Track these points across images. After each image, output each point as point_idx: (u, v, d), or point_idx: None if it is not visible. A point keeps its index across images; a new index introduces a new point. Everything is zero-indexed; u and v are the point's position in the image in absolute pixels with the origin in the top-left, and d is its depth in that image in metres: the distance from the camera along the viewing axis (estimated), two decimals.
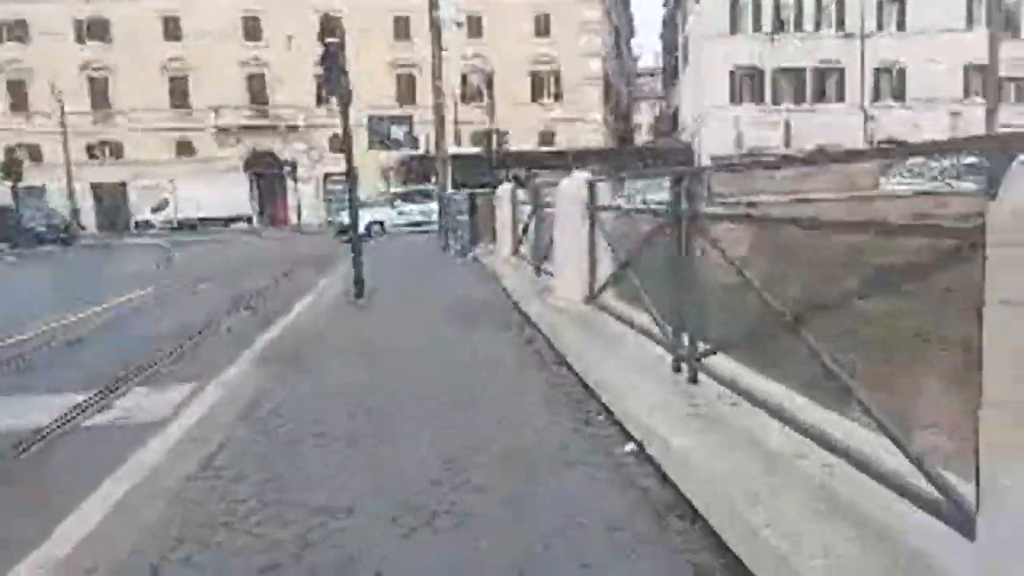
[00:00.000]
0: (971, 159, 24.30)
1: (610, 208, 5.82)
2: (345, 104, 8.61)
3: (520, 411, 3.94)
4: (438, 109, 15.87)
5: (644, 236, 4.79)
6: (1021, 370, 1.45)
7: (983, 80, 32.33)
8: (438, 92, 15.82)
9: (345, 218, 23.47)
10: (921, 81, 38.66)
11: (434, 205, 21.25)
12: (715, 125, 39.41)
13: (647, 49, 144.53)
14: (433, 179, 21.89)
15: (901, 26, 39.20)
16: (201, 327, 7.46)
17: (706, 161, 34.95)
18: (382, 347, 5.95)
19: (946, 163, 26.47)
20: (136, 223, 41.98)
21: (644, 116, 70.00)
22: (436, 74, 15.82)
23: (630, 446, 3.25)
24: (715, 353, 3.54)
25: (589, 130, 42.10)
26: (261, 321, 7.57)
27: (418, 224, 24.62)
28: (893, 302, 2.72)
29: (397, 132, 16.91)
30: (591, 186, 5.94)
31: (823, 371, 2.46)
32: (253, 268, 15.06)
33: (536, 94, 42.81)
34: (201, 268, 16.24)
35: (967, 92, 37.85)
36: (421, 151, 27.99)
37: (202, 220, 40.62)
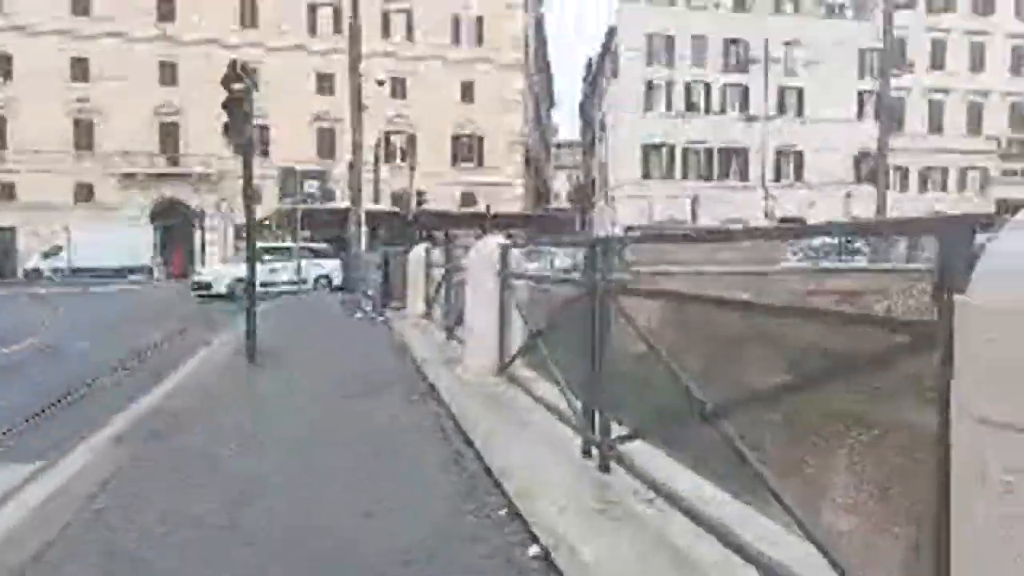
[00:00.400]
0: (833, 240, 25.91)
1: (523, 275, 5.54)
2: (247, 153, 8.13)
3: (415, 505, 3.47)
4: (355, 164, 15.49)
5: (556, 306, 4.50)
6: (1011, 508, 1.15)
7: (872, 166, 34.98)
8: (356, 148, 15.49)
9: (205, 274, 21.97)
10: (817, 164, 41.58)
11: (309, 264, 20.11)
12: (628, 197, 40.81)
13: (568, 121, 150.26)
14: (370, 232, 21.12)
15: (800, 113, 42.28)
16: (65, 392, 6.60)
17: (619, 231, 35.92)
18: (267, 419, 5.35)
19: (816, 242, 28.20)
20: (25, 271, 38.83)
21: (562, 184, 71.98)
22: (355, 130, 15.52)
23: (534, 549, 2.84)
24: (631, 438, 3.23)
25: (509, 195, 42.66)
26: (136, 386, 6.78)
27: (290, 283, 20.02)
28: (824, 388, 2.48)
29: (311, 186, 16.37)
30: (504, 251, 5.65)
31: (745, 468, 2.17)
32: (143, 323, 13.93)
33: (458, 157, 43.23)
34: (83, 322, 14.90)
35: (858, 176, 40.88)
36: (338, 205, 27.38)
37: (97, 270, 38.01)
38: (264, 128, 39.64)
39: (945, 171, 42.95)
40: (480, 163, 43.19)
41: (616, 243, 3.91)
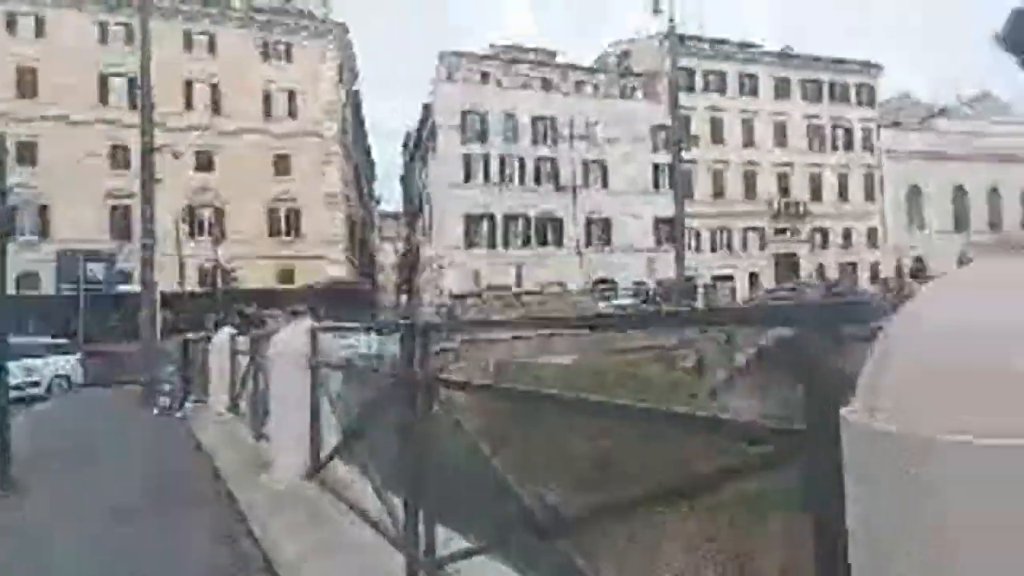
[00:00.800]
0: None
1: (337, 365, 4.96)
2: (3, 232, 6.84)
3: None
4: (145, 241, 13.82)
5: (373, 398, 3.99)
6: None
7: (671, 231, 38.25)
8: (145, 223, 13.86)
9: None
10: (623, 230, 44.92)
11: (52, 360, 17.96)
12: (454, 265, 41.22)
13: (389, 192, 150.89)
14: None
15: (605, 184, 45.66)
16: None
17: (447, 299, 35.93)
18: (9, 571, 4.19)
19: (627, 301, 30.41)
20: None
21: (387, 256, 71.39)
22: (145, 204, 13.94)
23: None
24: (464, 556, 2.77)
25: (330, 269, 41.26)
26: None
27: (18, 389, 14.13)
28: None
29: (96, 270, 14.40)
30: (314, 336, 5.05)
31: None
32: None
33: (274, 230, 41.27)
34: None
35: (658, 239, 44.60)
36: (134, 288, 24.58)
37: None
38: (44, 208, 35.41)
39: (730, 232, 48.19)
40: (298, 235, 41.52)
41: (433, 329, 3.52)
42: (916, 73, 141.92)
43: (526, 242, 43.55)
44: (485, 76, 48.61)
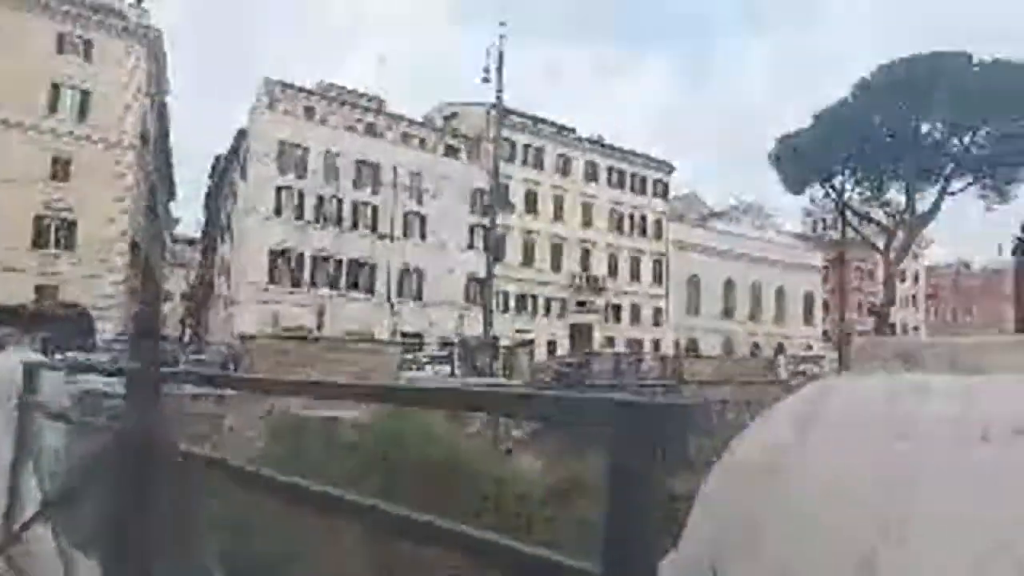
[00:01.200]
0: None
1: (57, 413, 4.15)
2: None
3: None
4: None
5: (90, 457, 3.34)
6: None
7: (481, 290, 39.17)
8: None
9: None
10: (436, 284, 45.18)
11: None
12: (251, 301, 38.64)
13: (189, 215, 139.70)
14: None
15: (423, 237, 45.83)
16: None
17: (235, 338, 33.30)
18: None
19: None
20: None
21: (177, 284, 65.44)
22: None
23: None
24: None
25: (105, 290, 36.73)
26: None
27: None
28: None
29: None
30: (31, 372, 4.20)
31: None
32: None
33: (40, 241, 36.05)
34: None
35: (468, 297, 45.42)
36: None
37: None
38: None
39: (536, 298, 50.42)
40: (69, 249, 36.61)
41: (172, 377, 3.03)
42: (703, 177, 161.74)
43: (334, 285, 42.14)
44: (310, 111, 47.39)
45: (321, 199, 42.62)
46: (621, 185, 56.37)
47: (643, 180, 57.89)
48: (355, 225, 43.68)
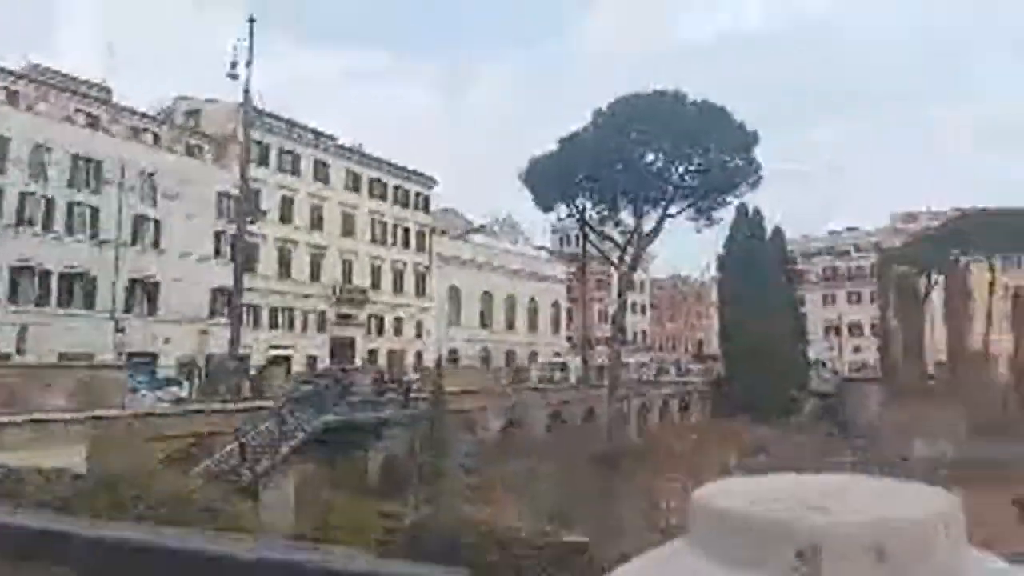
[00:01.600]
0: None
1: None
2: None
3: None
4: None
5: None
6: None
7: (227, 302, 35.94)
8: None
9: None
10: (174, 297, 40.41)
11: None
12: None
13: None
14: None
15: (156, 244, 40.76)
16: None
17: None
18: None
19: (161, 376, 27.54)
20: None
21: None
22: None
23: None
24: None
25: None
26: None
27: None
28: None
29: None
30: None
31: None
32: None
33: None
34: None
35: (214, 312, 41.41)
36: None
37: None
38: None
39: (292, 312, 47.62)
40: None
41: None
42: (464, 192, 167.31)
43: (42, 301, 35.73)
44: (14, 96, 40.02)
45: (24, 199, 35.99)
46: (383, 196, 55.73)
47: (406, 192, 57.88)
48: (70, 230, 37.55)
